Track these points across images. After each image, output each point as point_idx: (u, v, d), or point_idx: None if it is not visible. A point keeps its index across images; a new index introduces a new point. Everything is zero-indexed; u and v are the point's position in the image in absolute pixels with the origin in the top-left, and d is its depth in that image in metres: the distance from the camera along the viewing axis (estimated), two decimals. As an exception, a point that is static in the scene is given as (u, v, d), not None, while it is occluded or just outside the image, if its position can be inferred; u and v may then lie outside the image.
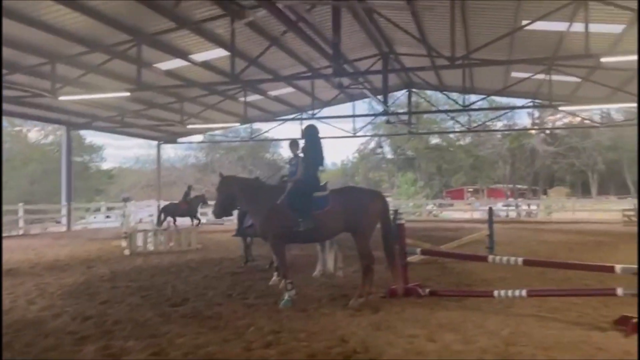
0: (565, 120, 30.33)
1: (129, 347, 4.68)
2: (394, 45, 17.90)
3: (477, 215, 29.47)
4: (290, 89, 21.33)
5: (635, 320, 4.91)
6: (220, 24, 13.43)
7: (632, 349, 4.42)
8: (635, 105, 18.06)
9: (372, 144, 41.45)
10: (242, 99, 19.83)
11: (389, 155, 42.16)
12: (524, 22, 12.81)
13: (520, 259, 6.01)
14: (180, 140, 28.31)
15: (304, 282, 7.80)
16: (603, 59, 11.70)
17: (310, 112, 22.76)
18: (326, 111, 25.01)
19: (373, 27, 15.42)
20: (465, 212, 32.32)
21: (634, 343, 4.60)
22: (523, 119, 34.81)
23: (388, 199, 35.71)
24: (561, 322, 5.39)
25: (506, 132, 34.48)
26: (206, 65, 16.41)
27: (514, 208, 31.13)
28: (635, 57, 11.90)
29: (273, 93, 21.34)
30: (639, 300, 4.69)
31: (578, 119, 27.56)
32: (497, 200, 37.26)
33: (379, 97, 18.48)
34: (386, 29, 15.96)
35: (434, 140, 39.60)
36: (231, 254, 11.52)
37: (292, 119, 24.58)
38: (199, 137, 29.45)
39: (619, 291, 5.13)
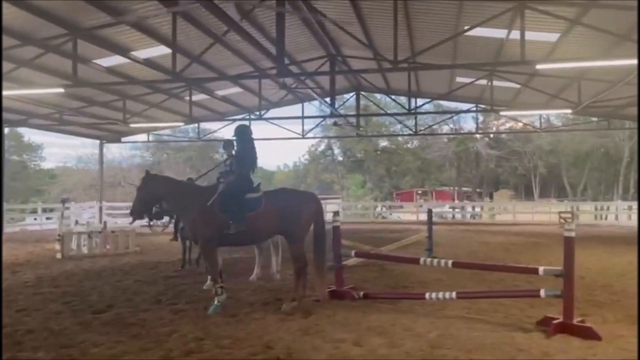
0: (508, 125, 31.38)
1: (37, 358, 4.38)
2: (341, 47, 17.93)
3: (424, 217, 29.99)
4: (237, 89, 20.99)
5: (557, 320, 5.02)
6: (163, 20, 13.05)
7: (551, 350, 4.51)
8: (569, 111, 18.87)
9: (322, 146, 41.55)
10: (188, 98, 19.35)
11: (339, 158, 42.36)
12: (465, 28, 13.06)
13: (450, 262, 6.07)
14: (124, 139, 27.41)
15: (240, 286, 7.63)
16: (539, 66, 12.07)
17: (257, 112, 22.48)
18: (275, 112, 24.92)
19: (319, 29, 15.41)
20: (414, 214, 32.85)
21: (554, 344, 4.70)
22: (469, 123, 35.88)
23: (338, 201, 35.89)
24: (488, 323, 5.45)
25: (452, 136, 35.30)
26: (149, 62, 15.87)
27: (459, 210, 31.89)
28: (569, 65, 12.41)
29: (220, 93, 20.92)
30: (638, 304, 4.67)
31: (520, 124, 28.64)
32: (445, 202, 38.14)
33: (327, 99, 18.45)
34: (333, 31, 15.96)
35: (383, 143, 40.08)
36: (170, 257, 11.15)
37: (241, 119, 24.23)
38: (144, 137, 28.57)
39: (542, 292, 5.23)
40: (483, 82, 19.01)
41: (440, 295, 5.90)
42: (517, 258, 11.08)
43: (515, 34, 13.40)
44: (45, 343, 4.78)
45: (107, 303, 6.54)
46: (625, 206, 26.81)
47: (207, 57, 15.86)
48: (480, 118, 31.82)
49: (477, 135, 34.17)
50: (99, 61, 15.10)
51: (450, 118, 31.40)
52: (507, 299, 6.28)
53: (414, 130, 25.93)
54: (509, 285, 7.55)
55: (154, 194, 6.25)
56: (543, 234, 17.66)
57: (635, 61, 11.16)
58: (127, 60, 15.23)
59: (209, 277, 7.56)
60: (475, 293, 6.34)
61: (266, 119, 23.18)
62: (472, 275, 8.32)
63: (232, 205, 6.05)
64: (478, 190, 41.48)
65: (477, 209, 32.82)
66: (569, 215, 22.16)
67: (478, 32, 13.73)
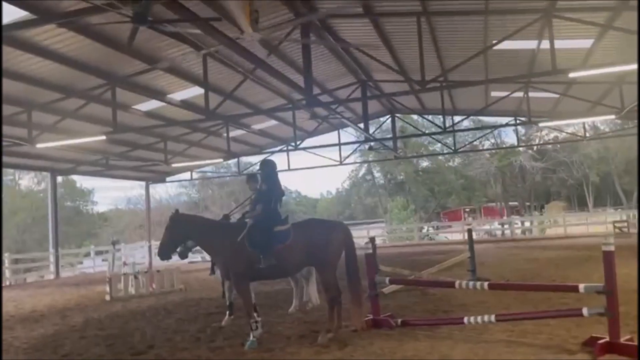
0: (552, 136, 30.46)
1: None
2: (372, 72, 18.03)
3: (474, 235, 29.29)
4: (273, 122, 21.38)
5: (603, 340, 4.75)
6: (195, 62, 13.55)
7: (596, 372, 4.26)
8: (613, 117, 18.17)
9: (363, 171, 41.50)
10: (225, 134, 19.84)
11: (381, 181, 42.13)
12: (494, 42, 12.89)
13: (486, 284, 5.88)
14: (168, 179, 28.25)
15: (277, 319, 7.62)
16: (571, 74, 11.76)
17: (293, 143, 22.75)
18: (312, 141, 25.12)
19: (347, 56, 15.58)
20: (462, 232, 32.11)
21: (600, 365, 4.44)
22: (510, 137, 35.07)
23: (381, 225, 35.51)
24: (531, 346, 5.22)
25: (493, 151, 34.56)
26: (185, 103, 16.45)
27: (508, 226, 30.96)
28: (603, 70, 12.00)
29: (256, 127, 21.39)
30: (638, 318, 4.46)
31: (564, 134, 27.74)
32: (494, 219, 37.17)
33: (360, 125, 18.51)
34: (361, 57, 16.10)
35: (424, 163, 39.65)
36: (212, 293, 11.29)
37: (279, 151, 24.63)
38: (188, 175, 29.39)
39: (585, 311, 4.97)
40: (519, 94, 18.63)
41: (479, 319, 5.70)
42: (566, 274, 10.62)
43: (546, 44, 13.12)
44: (85, 387, 4.90)
45: (147, 344, 6.66)
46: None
47: (240, 93, 16.30)
48: (522, 131, 31.10)
49: (520, 149, 33.30)
50: (137, 106, 15.79)
51: (490, 133, 30.84)
52: (552, 319, 6.00)
53: (453, 148, 25.55)
54: (556, 304, 7.21)
55: (182, 234, 6.36)
56: (596, 247, 16.69)
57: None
58: (164, 104, 15.85)
59: (227, 312, 7.69)
60: (515, 314, 6.08)
61: (303, 149, 23.42)
62: (518, 295, 8.00)
63: (260, 240, 6.10)
64: (527, 203, 40.20)
65: (527, 224, 31.74)
66: (625, 225, 21.10)
67: (507, 45, 13.50)
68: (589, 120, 23.03)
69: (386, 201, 41.62)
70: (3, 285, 19.18)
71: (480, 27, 12.75)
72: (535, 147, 34.95)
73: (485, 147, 34.30)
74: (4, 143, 15.36)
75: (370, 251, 6.97)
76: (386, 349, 5.52)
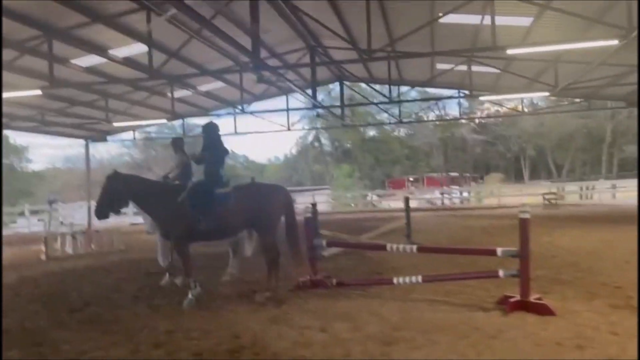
0: (493, 110, 31.62)
1: (9, 356, 4.52)
2: (321, 38, 17.98)
3: (415, 204, 30.33)
4: (220, 84, 21.00)
5: (514, 299, 5.22)
6: (139, 18, 13.08)
7: (506, 327, 4.70)
8: (547, 94, 19.07)
9: (311, 137, 41.67)
10: (170, 94, 19.38)
11: (328, 148, 42.50)
12: (440, 14, 13.15)
13: (414, 247, 6.27)
14: (110, 138, 27.36)
15: (217, 280, 7.77)
16: (509, 51, 12.20)
17: (240, 107, 22.52)
18: (259, 105, 24.94)
19: (297, 21, 15.45)
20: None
21: (510, 321, 4.90)
22: (454, 109, 36.08)
23: (327, 191, 35.91)
24: (451, 305, 5.65)
25: (437, 123, 35.53)
26: (128, 61, 15.89)
27: (448, 196, 32.19)
28: (540, 49, 12.56)
29: (203, 88, 20.97)
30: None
31: (504, 108, 28.86)
32: (435, 189, 38.48)
33: (308, 90, 18.54)
34: (311, 22, 16.02)
35: (371, 132, 40.26)
36: (154, 254, 11.25)
37: (226, 114, 24.36)
38: (130, 135, 28.54)
39: (501, 273, 5.42)
40: (463, 67, 19.15)
41: (408, 279, 6.08)
42: (496, 240, 11.27)
43: (489, 20, 13.53)
44: (19, 342, 4.92)
45: (84, 302, 6.68)
46: (608, 185, 27.15)
47: (186, 52, 15.93)
48: (465, 104, 32.07)
49: (463, 121, 34.38)
50: (76, 61, 15.10)
51: (434, 104, 31.60)
52: (473, 281, 6.47)
53: (398, 118, 26.07)
54: (481, 267, 7.72)
55: (119, 194, 6.33)
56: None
57: (605, 43, 11.36)
58: (105, 60, 15.25)
59: (167, 273, 7.80)
60: (439, 276, 6.54)
61: (250, 113, 23.26)
62: (448, 259, 8.49)
63: (201, 201, 6.19)
64: (466, 174, 41.82)
65: (465, 194, 33.14)
66: (554, 197, 22.44)
67: (453, 18, 13.84)
68: (526, 96, 24.04)
69: (333, 168, 42.12)
70: None
71: (428, -1, 12.97)
72: (476, 120, 36.21)
73: (429, 118, 35.20)
74: None
75: (310, 215, 7.18)
76: (320, 306, 5.81)
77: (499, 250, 5.48)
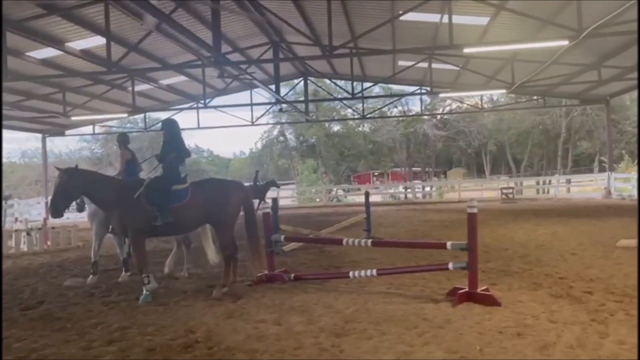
0: (455, 106, 32.28)
1: (-43, 356, 4.44)
2: (285, 34, 18.01)
3: (380, 198, 30.74)
4: (182, 78, 20.81)
5: (463, 290, 5.43)
6: (96, 10, 12.82)
7: (453, 317, 4.89)
8: (504, 91, 19.63)
9: (276, 132, 41.61)
10: (130, 88, 19.05)
11: (293, 143, 42.53)
12: (400, 12, 13.38)
13: (369, 241, 6.42)
14: (68, 132, 26.72)
15: (175, 275, 7.77)
16: (466, 50, 12.54)
17: (203, 101, 22.32)
18: (223, 100, 24.80)
19: (259, 17, 15.43)
20: (372, 195, 33.53)
21: (458, 312, 5.09)
22: (416, 105, 36.70)
23: (292, 186, 36.00)
24: (404, 297, 5.82)
25: (400, 118, 36.05)
26: (86, 53, 15.56)
27: (411, 190, 32.73)
28: (494, 48, 12.93)
29: (165, 82, 20.74)
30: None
31: (465, 105, 29.53)
32: (399, 183, 39.09)
33: (271, 86, 18.55)
34: (274, 19, 16.03)
35: (336, 127, 40.51)
36: (112, 250, 11.11)
37: (189, 108, 24.11)
38: (90, 129, 27.88)
39: (450, 266, 5.63)
40: (424, 65, 19.52)
41: (363, 273, 6.22)
42: (452, 234, 11.59)
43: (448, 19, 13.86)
44: (-33, 341, 4.83)
45: (38, 299, 6.57)
46: (563, 180, 28.14)
47: (146, 46, 15.73)
48: (427, 100, 32.65)
49: (425, 117, 34.99)
50: (31, 53, 14.72)
51: (397, 100, 32.05)
52: (428, 273, 6.68)
53: (361, 113, 26.34)
54: (436, 260, 7.96)
55: (75, 190, 6.22)
56: (484, 210, 18.32)
57: (555, 43, 11.79)
58: (62, 52, 14.89)
59: (123, 269, 7.75)
60: (393, 269, 6.73)
61: (213, 107, 23.10)
62: (405, 253, 8.73)
63: (158, 197, 6.18)
64: (428, 169, 42.59)
65: (427, 188, 33.78)
66: (511, 191, 23.13)
67: (413, 16, 14.13)
68: (485, 93, 24.68)
69: (298, 163, 42.20)
70: None
71: (389, -4, 13.16)
72: (438, 116, 36.92)
73: (392, 114, 35.69)
74: None
75: (268, 211, 7.25)
76: (277, 300, 5.90)
77: (449, 244, 5.69)
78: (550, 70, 17.37)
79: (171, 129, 6.73)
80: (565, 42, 11.61)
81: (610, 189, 22.12)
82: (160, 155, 6.54)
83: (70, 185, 6.11)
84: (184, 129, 38.32)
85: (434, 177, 44.26)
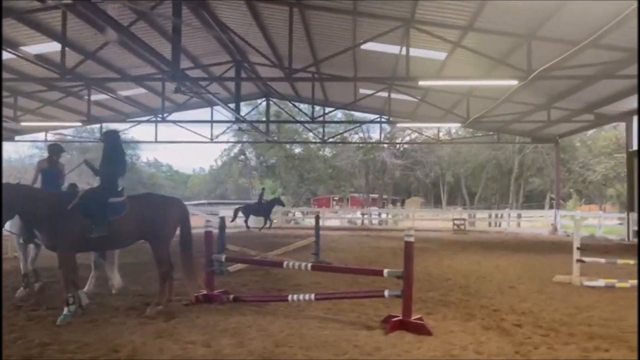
0: (414, 136, 33.01)
1: None
2: (248, 54, 18.09)
3: (338, 223, 30.83)
4: (142, 90, 20.53)
5: (396, 318, 5.46)
6: (53, 15, 12.59)
7: (383, 345, 4.91)
8: (459, 125, 20.19)
9: (236, 150, 41.38)
10: (87, 97, 18.65)
11: (253, 162, 42.37)
12: (361, 41, 13.68)
13: (309, 265, 6.41)
14: (18, 138, 25.79)
15: (108, 291, 7.50)
16: (421, 83, 12.91)
17: (161, 115, 22.03)
18: (183, 115, 24.54)
19: (223, 36, 15.46)
20: (328, 219, 33.58)
21: (389, 339, 5.11)
22: (377, 133, 37.34)
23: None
24: (340, 322, 5.82)
25: (360, 145, 36.55)
26: (40, 58, 15.15)
27: (367, 216, 32.99)
28: (447, 83, 13.36)
29: (123, 93, 20.38)
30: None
31: (423, 136, 30.19)
32: (358, 209, 39.37)
33: (232, 105, 18.52)
34: (238, 39, 16.12)
35: (297, 149, 40.64)
36: (49, 262, 10.68)
37: (147, 121, 23.74)
38: (42, 135, 26.99)
39: (386, 293, 5.67)
40: (384, 94, 19.94)
41: (302, 297, 6.19)
42: (398, 262, 11.55)
43: (410, 51, 14.28)
44: None
45: (-42, 311, 6.23)
46: (514, 214, 29.00)
47: (106, 55, 15.50)
48: (387, 128, 33.24)
49: (384, 145, 35.59)
50: (-18, 55, 14.23)
51: (358, 127, 32.52)
52: (366, 299, 6.70)
53: (322, 138, 26.55)
54: (379, 287, 8.00)
55: (10, 209, 5.75)
56: (435, 239, 18.69)
57: (506, 82, 12.27)
58: (14, 56, 14.46)
59: (22, 285, 7.45)
60: (332, 294, 6.73)
61: (172, 122, 22.82)
62: (349, 278, 8.75)
63: (94, 209, 6.00)
64: (385, 197, 43.12)
65: (383, 215, 34.15)
66: (462, 223, 23.64)
67: (373, 46, 14.48)
68: (441, 125, 25.34)
69: (258, 183, 42.01)
70: None
71: (349, 26, 13.46)
72: (397, 145, 37.61)
73: (353, 140, 36.15)
74: None
75: (211, 229, 7.15)
76: (211, 321, 5.79)
77: (386, 272, 5.73)
78: (504, 107, 18.05)
79: (112, 141, 6.61)
80: (515, 82, 12.12)
81: (556, 225, 22.92)
82: (100, 167, 6.39)
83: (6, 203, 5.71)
84: (141, 142, 37.71)
85: (391, 205, 44.86)
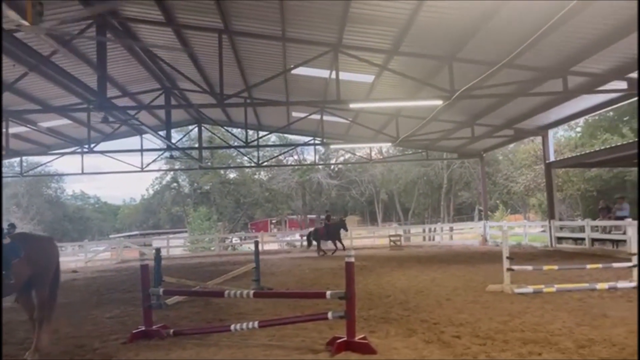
0: (347, 156, 33.67)
1: None
2: (178, 81, 17.86)
3: (277, 246, 30.60)
4: (65, 121, 19.66)
5: (341, 339, 5.51)
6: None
7: (329, 367, 4.94)
8: (389, 144, 20.82)
9: (168, 178, 40.41)
10: (4, 130, 17.62)
11: (186, 190, 41.50)
12: (292, 66, 13.89)
13: (251, 292, 6.37)
14: None
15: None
16: (352, 105, 13.29)
17: (88, 145, 21.19)
18: (112, 144, 23.81)
19: (151, 63, 15.22)
20: (267, 243, 33.25)
21: (335, 362, 5.15)
22: (311, 155, 37.84)
23: (185, 235, 34.72)
24: (285, 348, 5.79)
25: (296, 167, 36.85)
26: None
27: (305, 238, 33.00)
28: (375, 104, 13.82)
29: (45, 124, 19.41)
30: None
31: (356, 155, 30.91)
32: (296, 231, 39.34)
33: (162, 132, 18.14)
34: (167, 66, 15.90)
35: (232, 174, 40.30)
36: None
37: (71, 153, 22.72)
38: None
39: (329, 315, 5.72)
40: (317, 117, 20.26)
41: (245, 325, 6.11)
42: (340, 282, 11.71)
43: (340, 75, 14.65)
44: None
45: None
46: (446, 228, 30.06)
47: (25, 86, 14.82)
48: (322, 150, 33.76)
49: (319, 166, 36.06)
50: None
51: (293, 149, 32.77)
52: (311, 323, 6.69)
53: (256, 161, 26.50)
54: (322, 309, 8.02)
55: None
56: (373, 257, 18.99)
57: (432, 102, 12.85)
58: None
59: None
60: (275, 320, 6.69)
61: (100, 152, 21.99)
62: (291, 302, 8.72)
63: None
64: (322, 217, 43.48)
65: (322, 236, 34.33)
66: (398, 239, 24.20)
67: (305, 71, 14.74)
68: (373, 145, 26.06)
69: (192, 211, 41.16)
70: None
71: (279, 51, 13.65)
72: (332, 166, 38.24)
73: (288, 163, 36.37)
74: None
75: (146, 263, 6.93)
76: (151, 358, 5.59)
77: (328, 294, 5.79)
78: (431, 126, 18.84)
79: None
80: (439, 102, 12.72)
81: (486, 236, 23.98)
82: None
83: None
84: (66, 174, 35.81)
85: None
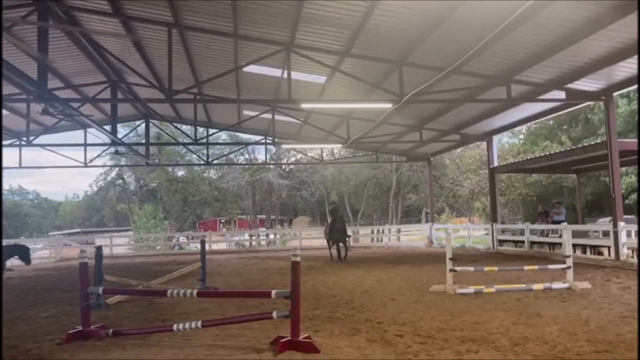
0: (299, 157, 33.69)
1: None
2: (125, 74, 17.31)
3: (226, 246, 30.20)
4: (2, 111, 18.66)
5: (285, 339, 5.50)
6: None
7: (271, 366, 4.92)
8: (340, 146, 20.99)
9: (113, 174, 39.11)
10: None
11: (132, 187, 40.32)
12: (243, 64, 13.76)
13: (195, 292, 6.25)
14: None
15: None
16: (303, 105, 13.31)
17: (26, 138, 20.22)
18: (53, 137, 22.78)
19: (97, 55, 14.68)
20: (215, 243, 32.77)
21: (279, 360, 5.14)
22: (262, 154, 37.63)
23: (130, 233, 33.72)
24: (229, 348, 5.72)
25: (246, 166, 36.54)
26: None
27: (255, 238, 32.81)
28: (330, 106, 13.90)
29: (-21, 114, 18.38)
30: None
31: (307, 156, 30.97)
32: (246, 231, 39.03)
33: (107, 127, 17.53)
34: (113, 58, 15.39)
35: (180, 172, 39.47)
36: None
37: (9, 145, 21.59)
38: None
39: (274, 314, 5.70)
40: (268, 116, 20.15)
41: (187, 325, 6.00)
42: (287, 281, 11.64)
43: (293, 75, 14.63)
44: None
45: None
46: (394, 229, 30.60)
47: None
48: (273, 150, 33.62)
49: (270, 166, 35.92)
50: None
51: (243, 148, 32.48)
52: (256, 323, 6.65)
53: (205, 160, 26.10)
54: (268, 309, 7.98)
55: None
56: (322, 257, 19.06)
57: (381, 105, 13.04)
58: None
59: None
60: (219, 320, 6.60)
61: (40, 145, 21.02)
62: (237, 302, 8.64)
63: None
64: (273, 217, 43.35)
65: (271, 236, 34.22)
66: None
67: (256, 69, 14.64)
68: (324, 146, 26.21)
69: (137, 209, 40.03)
70: None
71: (231, 48, 13.49)
72: (283, 166, 38.17)
73: (238, 162, 36.01)
74: None
75: (85, 261, 6.68)
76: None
77: (273, 293, 5.76)
78: (381, 129, 19.14)
79: None
80: (389, 105, 12.94)
81: (432, 238, 24.57)
82: None
83: None
84: (3, 168, 34.38)
85: (279, 225, 45.18)
